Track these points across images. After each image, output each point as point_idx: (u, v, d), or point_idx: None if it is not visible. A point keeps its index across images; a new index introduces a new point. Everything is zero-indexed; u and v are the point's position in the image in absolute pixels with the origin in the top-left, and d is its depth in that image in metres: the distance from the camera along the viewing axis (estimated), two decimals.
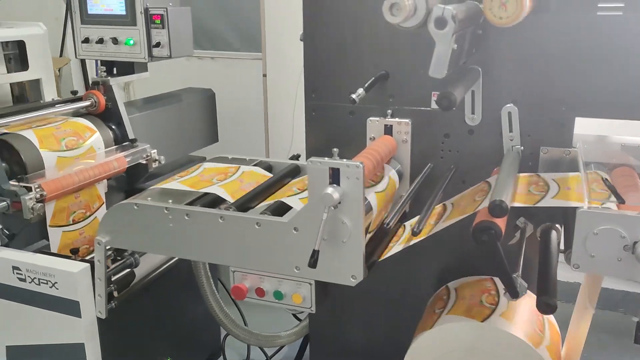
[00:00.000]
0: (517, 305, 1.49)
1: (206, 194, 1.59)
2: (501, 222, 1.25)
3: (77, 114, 2.14)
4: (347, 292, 1.52)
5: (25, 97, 2.28)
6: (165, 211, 1.49)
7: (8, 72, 2.17)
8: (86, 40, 2.22)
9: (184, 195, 1.61)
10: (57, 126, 1.97)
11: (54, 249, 1.92)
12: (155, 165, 2.24)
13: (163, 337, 2.13)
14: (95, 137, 2.06)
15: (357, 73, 1.76)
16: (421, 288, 1.85)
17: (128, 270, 1.79)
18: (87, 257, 1.87)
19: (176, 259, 1.99)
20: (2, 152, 1.79)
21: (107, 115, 2.17)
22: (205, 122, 2.78)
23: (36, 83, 2.27)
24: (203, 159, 2.85)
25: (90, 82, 2.19)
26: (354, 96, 1.62)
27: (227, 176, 1.71)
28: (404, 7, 1.04)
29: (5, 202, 1.69)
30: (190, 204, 1.55)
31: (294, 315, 2.54)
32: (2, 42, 2.14)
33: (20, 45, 2.20)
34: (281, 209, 1.52)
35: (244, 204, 1.54)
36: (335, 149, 1.32)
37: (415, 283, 1.89)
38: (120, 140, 2.20)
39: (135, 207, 1.53)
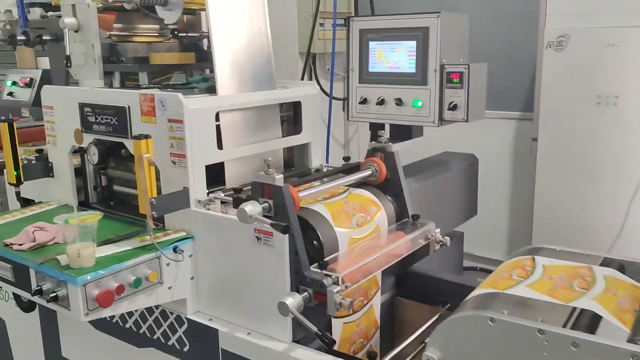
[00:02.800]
0: None
1: (582, 312, 1.19)
2: None
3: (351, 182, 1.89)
4: None
5: (292, 162, 2.10)
6: (539, 335, 1.11)
7: (282, 135, 1.99)
8: (364, 101, 1.99)
9: (548, 308, 1.22)
10: (345, 200, 1.71)
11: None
12: (437, 247, 1.89)
13: None
14: (381, 213, 1.78)
15: None
16: None
17: None
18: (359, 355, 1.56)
19: None
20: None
21: (386, 186, 1.89)
22: (467, 192, 2.42)
23: (304, 147, 2.07)
24: (461, 235, 2.48)
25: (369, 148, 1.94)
26: None
27: (589, 284, 1.29)
28: None
29: (307, 293, 1.43)
30: (566, 324, 1.15)
31: None
32: (279, 104, 1.96)
33: (296, 106, 2.02)
34: None
35: None
36: None
37: None
38: (398, 214, 1.90)
39: (490, 323, 1.17)
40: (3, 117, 1.86)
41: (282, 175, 1.47)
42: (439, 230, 1.89)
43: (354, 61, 1.99)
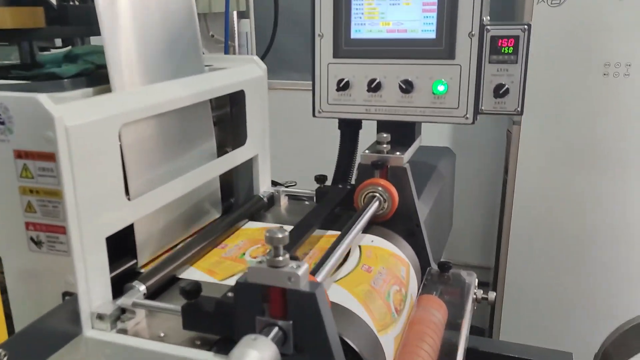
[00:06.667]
0: None
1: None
2: None
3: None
4: None
5: (230, 190, 1.28)
6: None
7: (219, 149, 1.17)
8: (344, 86, 1.23)
9: None
10: (367, 266, 0.97)
11: None
12: (475, 307, 1.25)
13: None
14: (411, 274, 1.08)
15: None
16: None
17: None
18: None
19: None
20: None
21: (396, 220, 1.19)
22: (451, 201, 1.80)
23: (249, 164, 1.27)
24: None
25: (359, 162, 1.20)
26: None
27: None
28: None
29: None
30: None
31: None
32: (213, 99, 1.13)
33: (235, 98, 1.20)
34: None
35: None
36: None
37: None
38: (416, 260, 1.21)
39: None
40: None
41: (307, 265, 0.68)
42: (476, 281, 1.26)
43: (324, 23, 1.22)
